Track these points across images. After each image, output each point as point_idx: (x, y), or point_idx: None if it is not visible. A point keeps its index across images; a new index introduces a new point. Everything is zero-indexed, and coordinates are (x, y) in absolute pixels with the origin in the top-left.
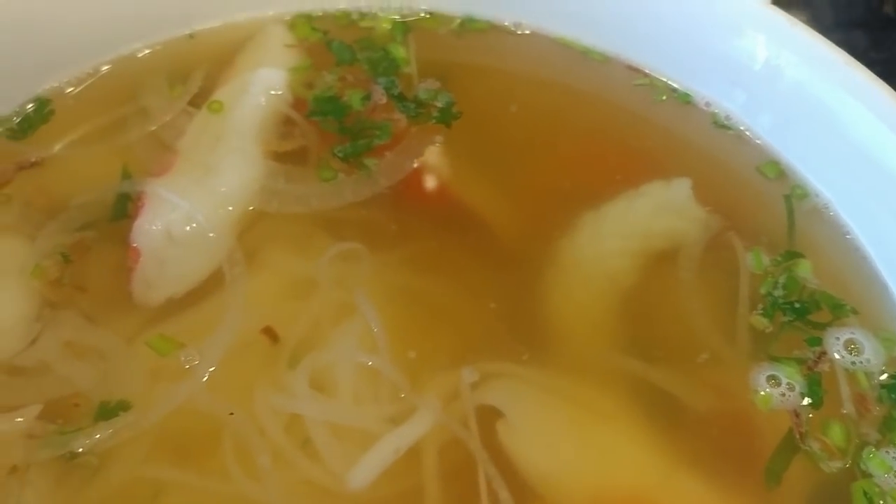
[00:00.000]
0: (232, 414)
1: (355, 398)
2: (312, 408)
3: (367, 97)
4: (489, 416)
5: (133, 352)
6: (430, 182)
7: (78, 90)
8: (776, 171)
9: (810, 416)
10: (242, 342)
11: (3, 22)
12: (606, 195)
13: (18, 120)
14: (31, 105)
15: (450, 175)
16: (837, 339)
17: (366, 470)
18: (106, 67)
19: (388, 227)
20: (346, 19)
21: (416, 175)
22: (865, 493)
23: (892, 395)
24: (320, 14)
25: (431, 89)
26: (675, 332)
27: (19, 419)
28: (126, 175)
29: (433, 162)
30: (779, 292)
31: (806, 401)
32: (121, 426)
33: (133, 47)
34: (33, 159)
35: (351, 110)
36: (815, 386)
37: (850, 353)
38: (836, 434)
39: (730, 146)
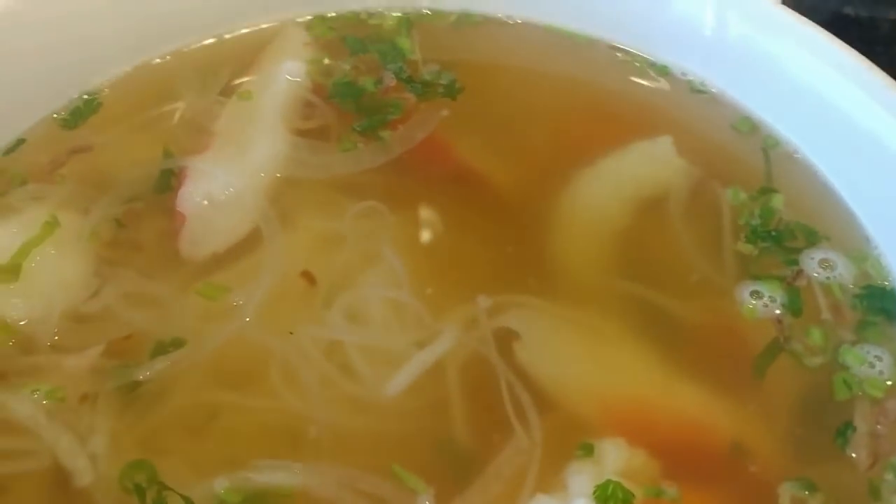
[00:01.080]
0: (291, 333)
1: (385, 328)
2: (348, 334)
3: (380, 81)
4: (506, 338)
5: (184, 299)
6: (439, 149)
7: (122, 85)
8: (749, 125)
9: (790, 324)
10: (282, 287)
11: (55, 22)
12: (598, 154)
13: (71, 111)
14: (81, 98)
15: (456, 142)
16: (812, 258)
17: (397, 383)
18: (145, 65)
19: (404, 190)
20: (356, 18)
21: (427, 143)
22: (845, 382)
23: (864, 303)
24: (334, 15)
25: (434, 71)
26: (666, 261)
27: (85, 357)
28: (168, 154)
29: (441, 132)
30: (756, 221)
31: (786, 313)
32: (176, 358)
33: (167, 49)
34: (84, 145)
35: (366, 92)
36: (794, 297)
37: (825, 270)
38: (816, 336)
39: (706, 108)
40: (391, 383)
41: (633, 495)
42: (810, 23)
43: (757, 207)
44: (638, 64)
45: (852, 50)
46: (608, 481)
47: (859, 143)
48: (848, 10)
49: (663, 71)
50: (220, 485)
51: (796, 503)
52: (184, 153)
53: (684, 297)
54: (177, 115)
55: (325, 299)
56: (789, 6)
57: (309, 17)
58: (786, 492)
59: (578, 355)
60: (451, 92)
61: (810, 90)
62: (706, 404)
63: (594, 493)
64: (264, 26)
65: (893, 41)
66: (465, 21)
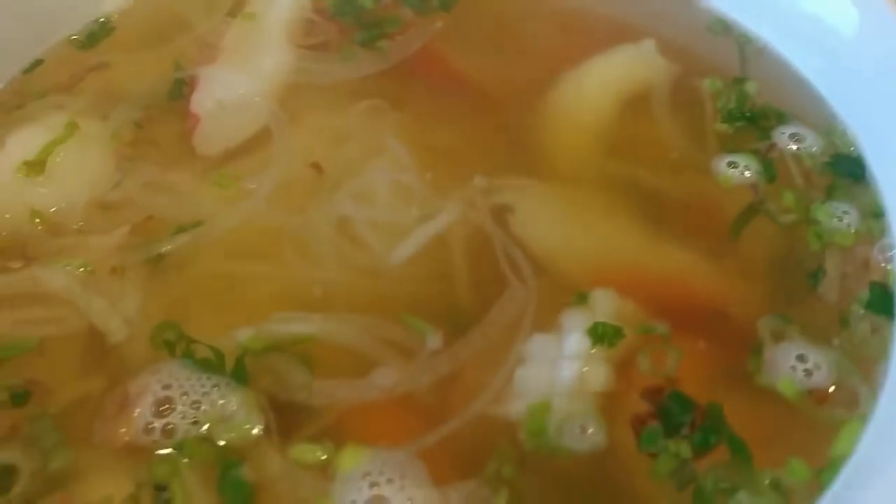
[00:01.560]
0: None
1: (391, 206)
2: (356, 210)
3: None
4: (501, 213)
5: (201, 188)
6: (434, 57)
7: (133, 10)
8: (722, 26)
9: (764, 189)
10: (292, 176)
11: None
12: (584, 57)
13: (87, 34)
14: (96, 22)
15: (449, 51)
16: (783, 133)
17: (403, 251)
18: None
19: (402, 92)
20: None
21: (423, 52)
22: (816, 234)
23: (832, 168)
24: None
25: None
26: (650, 143)
27: (112, 237)
28: (178, 67)
29: (436, 42)
30: (732, 105)
31: (761, 179)
32: (196, 233)
33: None
34: (101, 62)
35: (365, 9)
36: (768, 166)
37: (795, 143)
38: (788, 198)
39: (684, 13)
40: (397, 251)
41: (623, 331)
42: None
43: (732, 93)
44: None
45: None
46: (599, 323)
47: (824, 34)
48: None
49: None
50: (244, 334)
51: (775, 335)
52: (193, 65)
53: (667, 172)
54: (186, 35)
55: (333, 184)
56: None
57: None
58: (765, 325)
59: (569, 226)
60: (446, 4)
61: None
62: (689, 263)
63: (588, 330)
64: None
65: None
66: None
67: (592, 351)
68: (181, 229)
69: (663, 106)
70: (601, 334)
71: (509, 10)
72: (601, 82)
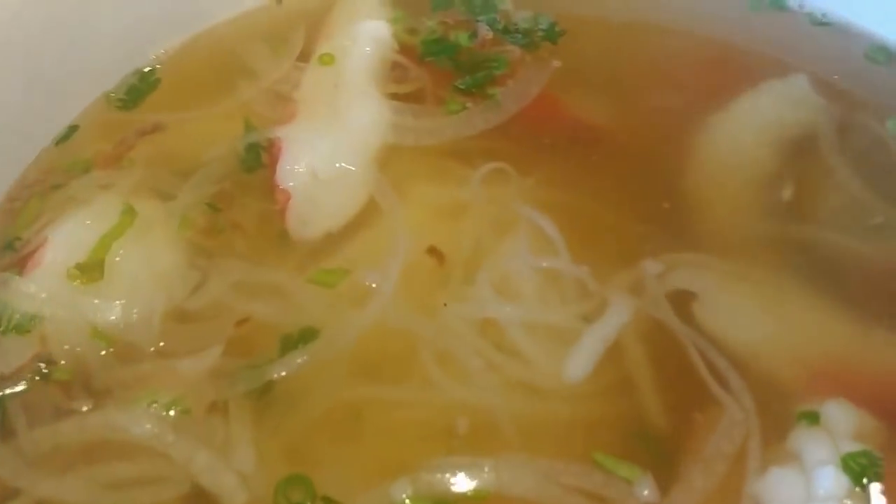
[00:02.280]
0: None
1: (542, 301)
2: (504, 311)
3: (474, 34)
4: (682, 301)
5: (304, 284)
6: (551, 104)
7: (178, 59)
8: (885, 55)
9: None
10: (409, 266)
11: None
12: (728, 97)
13: (126, 89)
14: (136, 74)
15: (568, 97)
16: None
17: (579, 363)
18: (201, 34)
19: (520, 152)
20: None
21: (540, 100)
22: None
23: None
24: None
25: (530, 16)
26: (833, 202)
27: (204, 359)
28: (250, 127)
29: (551, 87)
30: None
31: None
32: (311, 351)
33: (223, 16)
34: (153, 124)
35: (461, 48)
36: None
37: None
38: None
39: (834, 40)
40: (571, 365)
41: (880, 461)
42: None
43: None
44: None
45: None
46: (857, 452)
47: None
48: None
49: (779, 4)
50: (401, 490)
51: None
52: (268, 125)
53: (862, 239)
54: (251, 86)
55: (464, 274)
56: None
57: None
58: None
59: (760, 313)
60: (552, 36)
61: None
62: None
63: (841, 463)
64: None
65: None
66: None
67: (857, 490)
68: (290, 343)
69: (838, 156)
70: (860, 471)
71: (628, 48)
72: (754, 128)
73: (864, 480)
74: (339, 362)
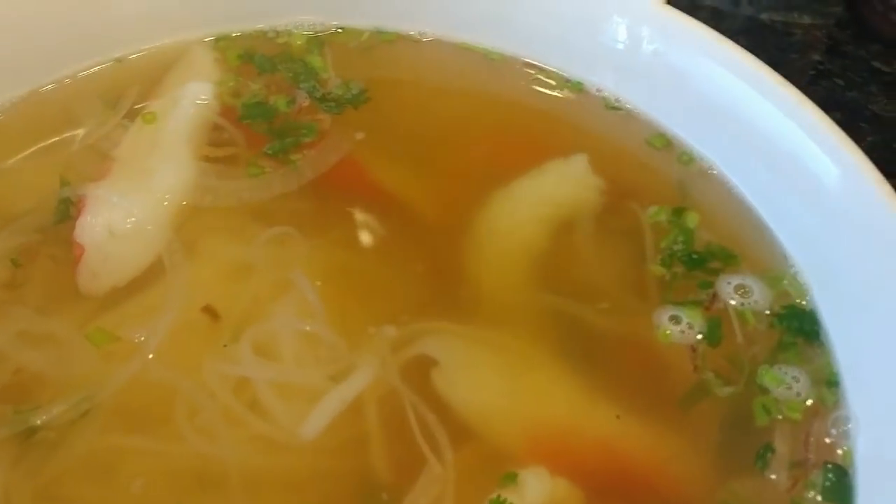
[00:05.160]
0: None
1: (297, 361)
2: (258, 370)
3: (292, 101)
4: (424, 366)
5: (83, 337)
6: (353, 171)
7: (13, 113)
8: (663, 141)
9: (704, 352)
10: (186, 322)
11: None
12: (514, 175)
13: None
14: None
15: (371, 165)
16: (729, 283)
17: (315, 422)
18: (39, 91)
19: (316, 214)
20: (263, 37)
21: (340, 166)
22: (764, 407)
23: (783, 324)
24: (240, 34)
25: (343, 83)
26: (584, 282)
27: None
28: (65, 182)
29: (355, 154)
30: (677, 246)
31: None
32: (75, 401)
33: (64, 72)
34: None
35: (278, 113)
36: (713, 326)
37: (741, 296)
38: (730, 364)
39: (621, 124)
40: (308, 421)
41: None
42: (723, 38)
43: (675, 229)
44: (552, 81)
45: (765, 66)
46: None
47: (774, 158)
48: (763, 16)
49: (577, 87)
50: None
51: None
52: (83, 180)
53: (603, 318)
54: (76, 141)
55: (233, 333)
56: (705, 13)
57: (213, 38)
58: None
59: (499, 381)
60: (357, 101)
61: (723, 106)
62: (628, 428)
63: None
64: (167, 42)
65: (807, 47)
66: (378, 39)
67: None
68: (59, 391)
69: (598, 237)
70: None
71: (433, 119)
72: (531, 206)
73: None
74: (100, 412)
